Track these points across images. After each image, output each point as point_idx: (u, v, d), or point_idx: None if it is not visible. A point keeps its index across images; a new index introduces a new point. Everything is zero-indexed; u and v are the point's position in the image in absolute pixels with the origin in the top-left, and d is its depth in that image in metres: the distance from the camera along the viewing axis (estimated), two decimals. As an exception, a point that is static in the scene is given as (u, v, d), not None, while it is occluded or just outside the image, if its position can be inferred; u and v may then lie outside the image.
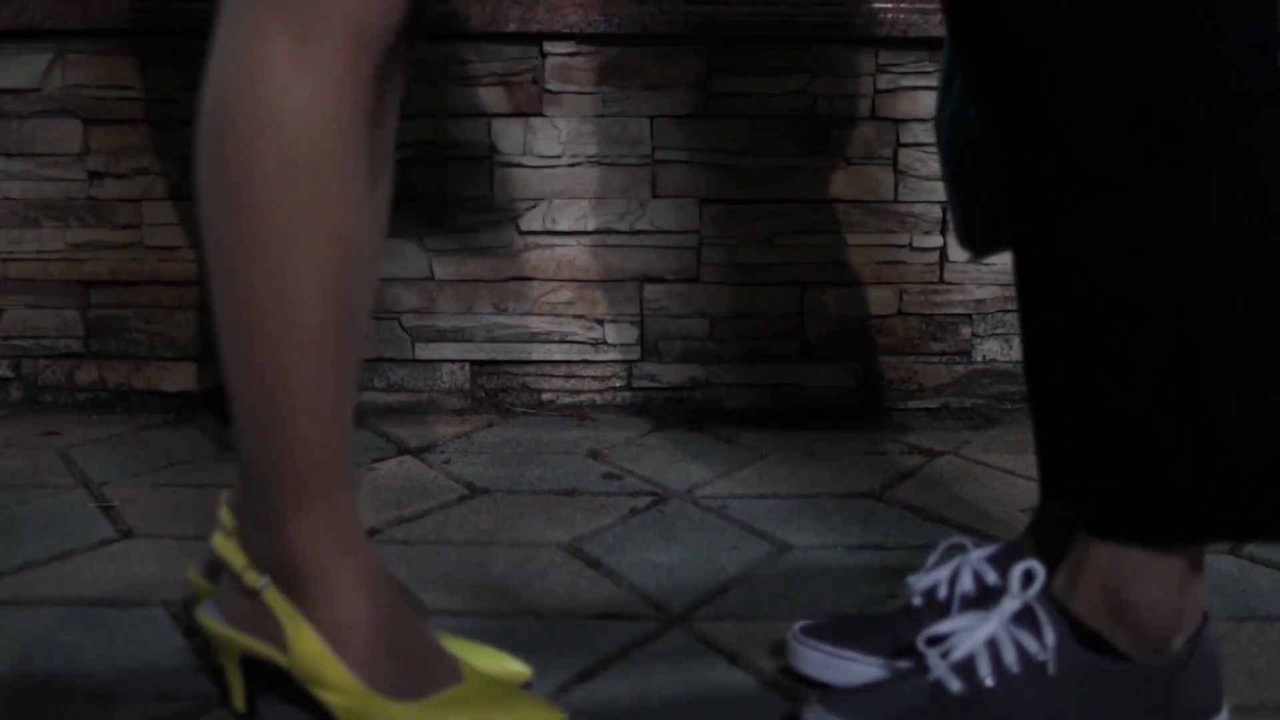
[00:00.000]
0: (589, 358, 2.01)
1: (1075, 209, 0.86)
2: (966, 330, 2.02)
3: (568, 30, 1.94)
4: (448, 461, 1.71)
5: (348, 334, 0.92)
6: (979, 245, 1.13)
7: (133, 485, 1.58)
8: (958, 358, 2.03)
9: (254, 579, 0.93)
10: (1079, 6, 0.83)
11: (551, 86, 1.97)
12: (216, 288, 0.90)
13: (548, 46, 1.96)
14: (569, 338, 2.01)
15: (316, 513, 0.91)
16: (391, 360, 2.01)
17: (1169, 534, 0.89)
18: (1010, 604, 0.92)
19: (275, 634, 0.93)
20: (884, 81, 1.98)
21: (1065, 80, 0.84)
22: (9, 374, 2.01)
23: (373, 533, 1.40)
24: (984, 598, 1.00)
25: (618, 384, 2.02)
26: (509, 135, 1.98)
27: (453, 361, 2.01)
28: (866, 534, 1.42)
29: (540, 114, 1.97)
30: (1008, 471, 1.66)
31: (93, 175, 1.98)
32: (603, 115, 1.97)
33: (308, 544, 0.91)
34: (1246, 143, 0.83)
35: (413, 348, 2.01)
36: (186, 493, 1.55)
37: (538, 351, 2.01)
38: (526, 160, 1.98)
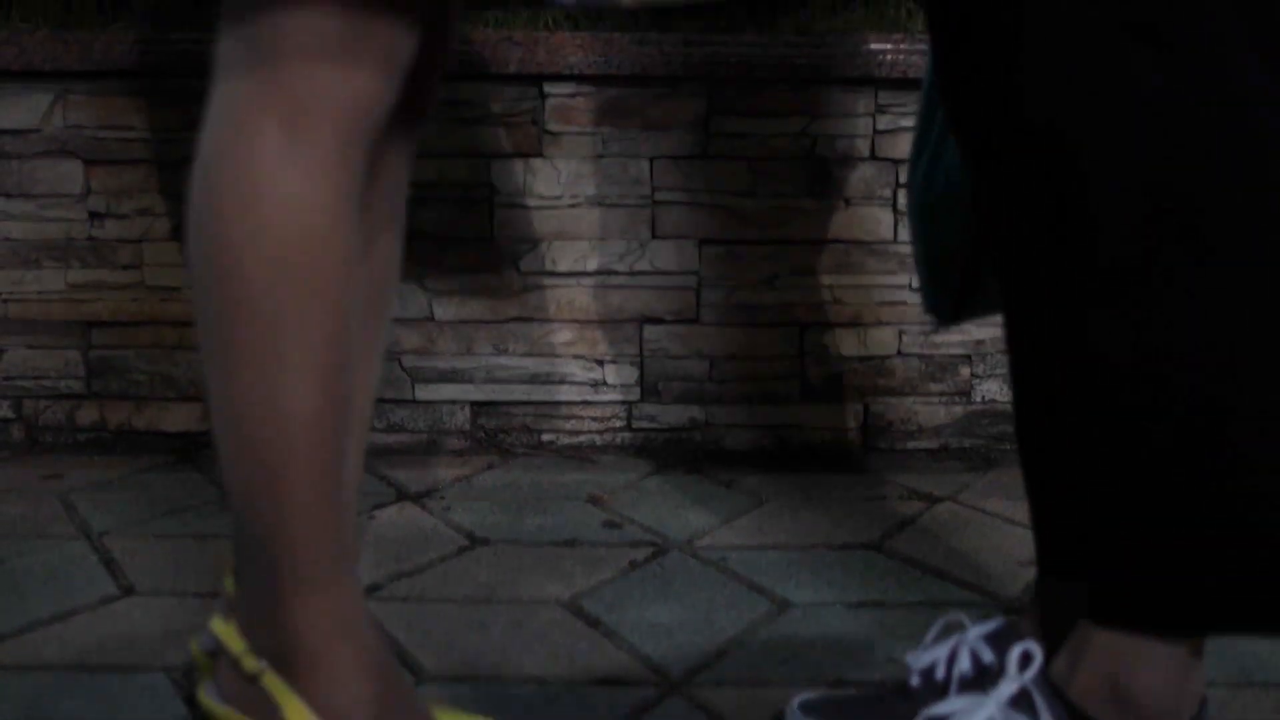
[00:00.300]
0: (589, 398, 2.01)
1: (1090, 300, 0.84)
2: (966, 371, 2.02)
3: (568, 71, 1.94)
4: (448, 508, 1.71)
5: (345, 418, 0.91)
6: (946, 313, 1.11)
7: (134, 536, 1.58)
8: (957, 398, 2.03)
9: (252, 664, 0.93)
10: (1105, 98, 0.82)
11: (551, 127, 1.97)
12: (208, 375, 0.90)
13: (547, 87, 1.96)
14: (569, 378, 2.01)
15: (315, 600, 0.91)
16: (391, 401, 2.01)
17: (1177, 624, 0.88)
18: (1007, 687, 0.93)
19: (274, 716, 0.93)
20: (883, 122, 1.98)
21: (1086, 173, 0.82)
22: (10, 414, 2.01)
23: (373, 589, 1.40)
24: (981, 678, 1.00)
25: (617, 425, 2.02)
26: (509, 176, 1.98)
27: (453, 402, 2.01)
28: (865, 590, 1.43)
29: (540, 155, 1.97)
30: (1007, 520, 1.66)
31: (93, 216, 1.98)
32: (602, 156, 1.97)
33: (306, 630, 0.91)
34: (1269, 224, 0.83)
35: (412, 388, 2.01)
36: (187, 544, 1.55)
37: (538, 392, 2.01)
38: (526, 201, 1.98)
